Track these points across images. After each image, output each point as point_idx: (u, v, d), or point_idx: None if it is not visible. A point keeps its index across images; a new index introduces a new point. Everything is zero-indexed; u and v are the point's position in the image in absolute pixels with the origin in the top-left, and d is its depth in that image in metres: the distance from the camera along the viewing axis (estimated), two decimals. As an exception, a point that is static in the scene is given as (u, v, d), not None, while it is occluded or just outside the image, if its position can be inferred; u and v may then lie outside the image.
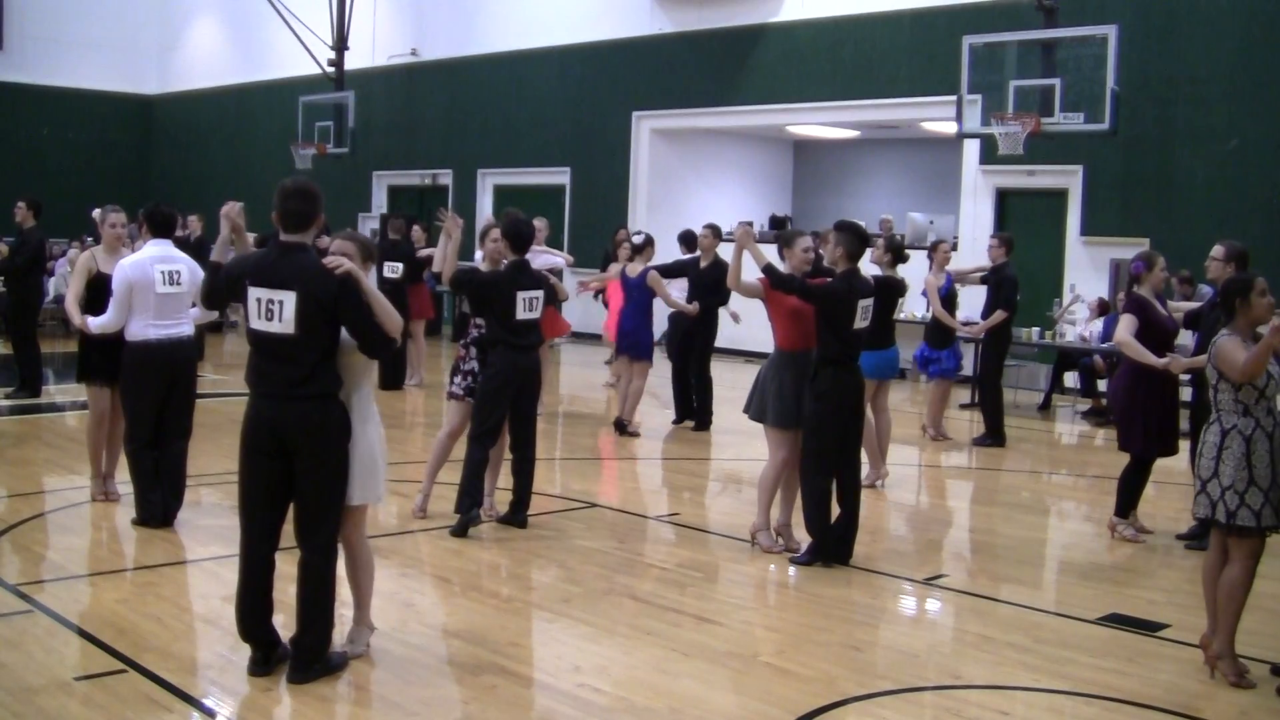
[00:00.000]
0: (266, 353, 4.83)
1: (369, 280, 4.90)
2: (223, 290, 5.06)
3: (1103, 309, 13.66)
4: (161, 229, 7.35)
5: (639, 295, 11.20)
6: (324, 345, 4.81)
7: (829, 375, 6.85)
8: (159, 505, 7.26)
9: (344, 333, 4.87)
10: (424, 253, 13.87)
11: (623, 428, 11.24)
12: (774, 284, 6.87)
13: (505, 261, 7.35)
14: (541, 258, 12.40)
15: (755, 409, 7.18)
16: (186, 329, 7.27)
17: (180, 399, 7.33)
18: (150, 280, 7.09)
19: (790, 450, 7.08)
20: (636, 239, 11.51)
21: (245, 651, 5.22)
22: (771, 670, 5.32)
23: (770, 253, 7.17)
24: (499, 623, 5.84)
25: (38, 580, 6.32)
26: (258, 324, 4.79)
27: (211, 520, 7.48)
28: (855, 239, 7.00)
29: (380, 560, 6.86)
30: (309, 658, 4.93)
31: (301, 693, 4.84)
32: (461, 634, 5.64)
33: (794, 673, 5.28)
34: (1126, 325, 7.47)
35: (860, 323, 6.97)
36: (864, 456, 9.74)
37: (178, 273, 7.18)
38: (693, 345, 11.59)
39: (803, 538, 7.14)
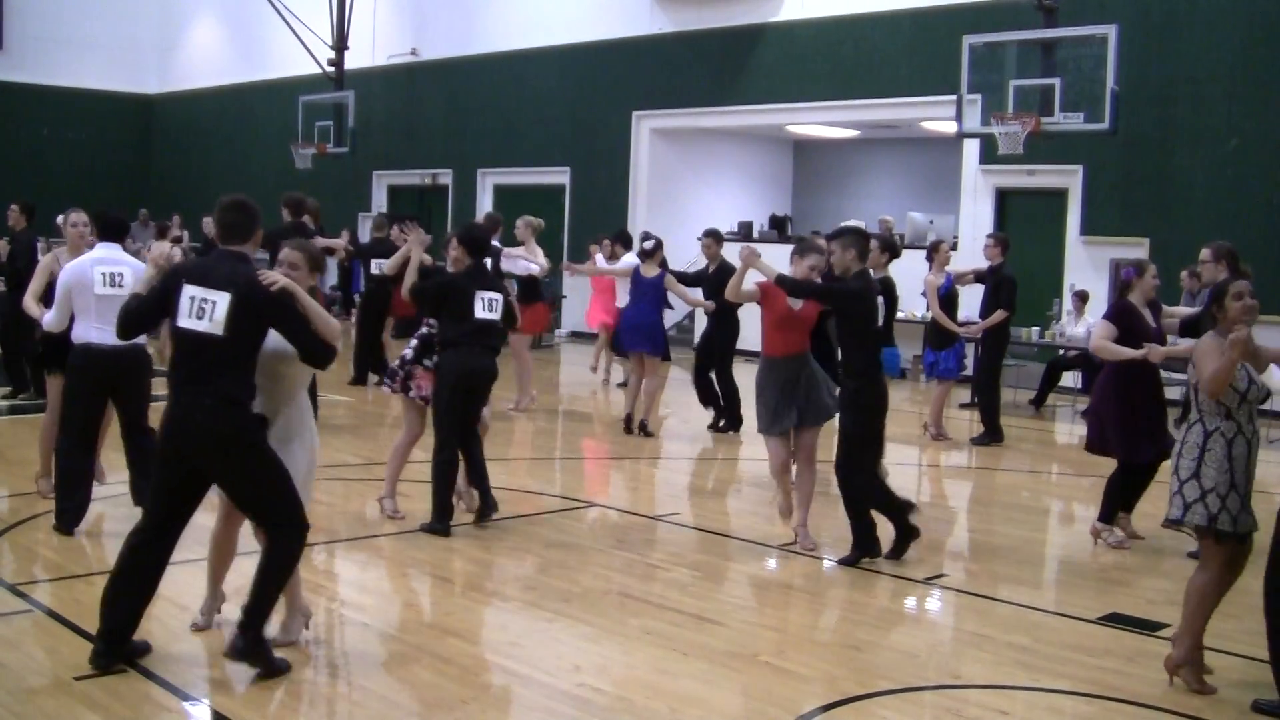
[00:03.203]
0: (183, 353, 4.87)
1: (306, 295, 4.96)
2: (153, 305, 5.00)
3: (1083, 299, 13.74)
4: (110, 232, 7.19)
5: (653, 294, 11.31)
6: (245, 350, 4.86)
7: (866, 388, 6.85)
8: (78, 512, 7.12)
9: (283, 342, 4.91)
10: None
11: (643, 428, 11.20)
12: (791, 291, 6.85)
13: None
14: (519, 263, 12.37)
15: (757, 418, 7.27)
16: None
17: (131, 402, 7.17)
18: (88, 281, 6.91)
19: (785, 452, 7.15)
20: (648, 244, 11.62)
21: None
22: (771, 670, 5.32)
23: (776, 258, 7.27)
24: (499, 623, 5.84)
25: (37, 580, 6.33)
26: (186, 322, 4.82)
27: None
28: (861, 238, 7.01)
29: (379, 559, 6.88)
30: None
31: (301, 692, 4.85)
32: (461, 634, 5.64)
33: (794, 673, 5.28)
34: (1102, 330, 7.41)
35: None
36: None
37: (120, 275, 6.96)
38: (712, 348, 11.65)
39: (820, 538, 7.26)
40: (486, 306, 7.33)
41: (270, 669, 4.90)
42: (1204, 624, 5.25)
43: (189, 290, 4.82)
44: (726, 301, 11.23)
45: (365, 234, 23.07)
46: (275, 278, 4.86)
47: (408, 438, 7.66)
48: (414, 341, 7.62)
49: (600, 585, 6.49)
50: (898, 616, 6.37)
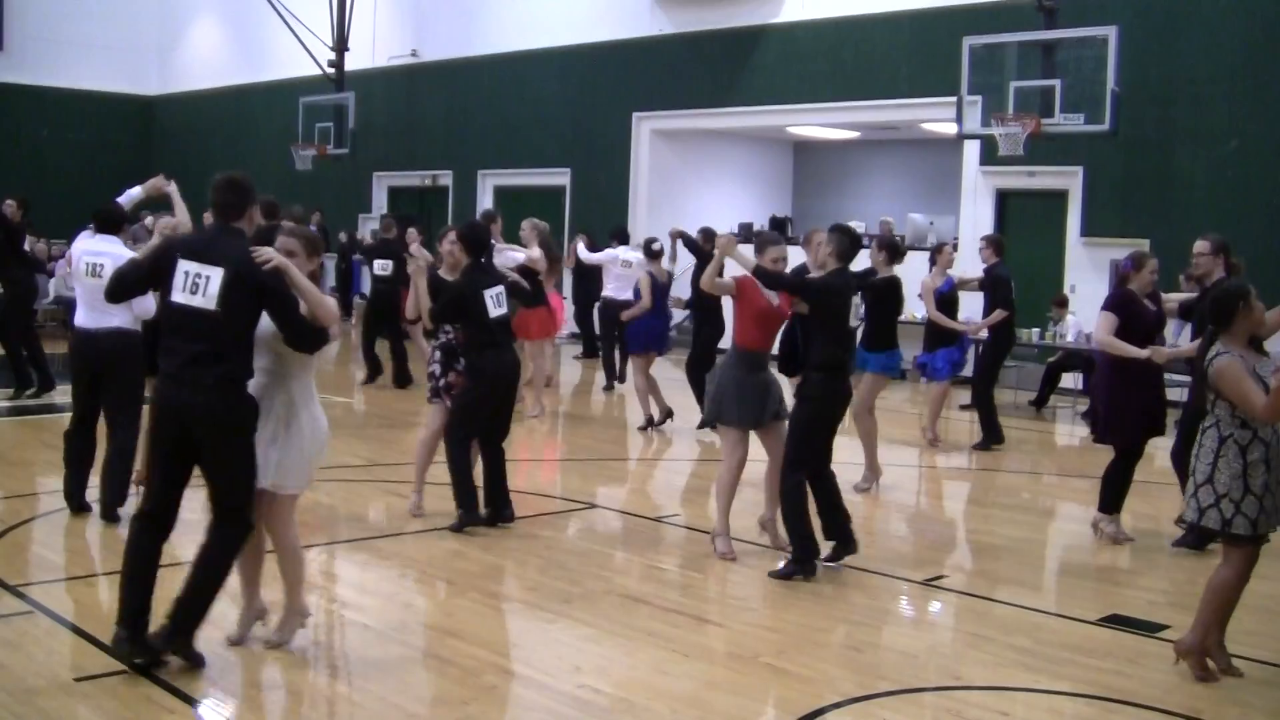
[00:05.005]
0: (177, 328, 4.87)
1: (301, 275, 4.93)
2: (145, 274, 5.09)
3: (1061, 305, 13.80)
4: (104, 225, 7.45)
5: (664, 296, 11.92)
6: (240, 328, 4.85)
7: (819, 381, 6.65)
8: (80, 492, 7.38)
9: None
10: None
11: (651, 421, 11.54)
12: (767, 283, 6.74)
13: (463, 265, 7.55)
14: (506, 254, 12.36)
15: (711, 413, 7.11)
16: (116, 321, 7.15)
17: (116, 391, 7.26)
18: (78, 268, 7.29)
19: (745, 450, 6.98)
20: (656, 245, 12.06)
21: (246, 651, 5.23)
22: (771, 670, 5.32)
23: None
24: (499, 623, 5.84)
25: (38, 581, 6.32)
26: (180, 296, 4.82)
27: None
28: (848, 240, 6.84)
29: (380, 560, 6.88)
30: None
31: (301, 693, 4.85)
32: (461, 634, 5.63)
33: (794, 673, 5.28)
34: (1105, 324, 7.45)
35: (852, 321, 6.92)
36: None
37: (100, 265, 7.13)
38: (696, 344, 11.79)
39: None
40: (496, 303, 7.47)
41: (191, 661, 4.92)
42: (1218, 617, 5.32)
43: (184, 265, 4.82)
44: (708, 296, 11.30)
45: (365, 235, 23.08)
46: (269, 254, 4.83)
47: (433, 434, 7.70)
48: (438, 354, 7.66)
49: (601, 586, 6.49)
50: (898, 617, 6.37)
